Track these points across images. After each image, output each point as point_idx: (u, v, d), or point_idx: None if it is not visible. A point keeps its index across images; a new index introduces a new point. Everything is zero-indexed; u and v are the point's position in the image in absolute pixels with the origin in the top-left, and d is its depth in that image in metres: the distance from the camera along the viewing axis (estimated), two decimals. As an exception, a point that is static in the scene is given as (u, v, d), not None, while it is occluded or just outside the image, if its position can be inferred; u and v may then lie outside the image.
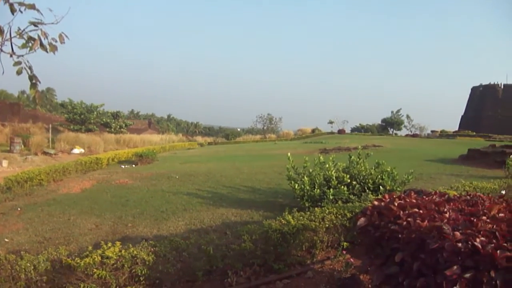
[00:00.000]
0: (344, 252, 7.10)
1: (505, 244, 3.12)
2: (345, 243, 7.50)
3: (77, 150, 31.88)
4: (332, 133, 78.67)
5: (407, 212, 4.04)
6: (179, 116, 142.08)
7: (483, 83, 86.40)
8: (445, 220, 3.65)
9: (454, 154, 26.15)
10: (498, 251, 3.04)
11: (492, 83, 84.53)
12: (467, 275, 3.07)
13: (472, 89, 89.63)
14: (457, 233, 3.30)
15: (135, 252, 5.61)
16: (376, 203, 4.50)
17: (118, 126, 53.11)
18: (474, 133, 67.34)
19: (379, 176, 10.50)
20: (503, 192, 10.39)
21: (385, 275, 3.89)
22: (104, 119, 52.53)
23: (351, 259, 6.47)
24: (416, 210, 4.03)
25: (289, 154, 11.15)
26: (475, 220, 3.58)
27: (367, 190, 10.20)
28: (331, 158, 11.41)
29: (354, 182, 10.34)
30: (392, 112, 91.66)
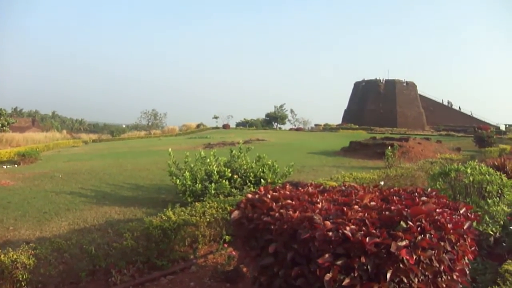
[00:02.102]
0: (226, 245, 7.33)
1: (374, 231, 3.36)
2: (227, 236, 7.77)
3: (-46, 151, 28.98)
4: (217, 128, 79.52)
5: (280, 204, 4.18)
6: (64, 113, 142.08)
7: (366, 79, 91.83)
8: (317, 211, 3.83)
9: (337, 146, 27.79)
10: (367, 238, 3.28)
11: (374, 78, 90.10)
12: (339, 262, 3.29)
13: (355, 84, 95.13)
14: (328, 223, 3.48)
15: (14, 256, 5.59)
16: (250, 196, 4.63)
17: (0, 125, 49.71)
18: (357, 126, 71.89)
19: (260, 170, 10.96)
20: (382, 182, 11.13)
21: (260, 266, 4.02)
22: (-15, 118, 48.99)
23: (233, 252, 6.78)
24: (289, 201, 4.19)
25: (170, 149, 11.43)
26: (346, 209, 3.76)
27: (249, 183, 10.61)
28: (212, 152, 11.76)
29: (235, 176, 10.67)
30: (275, 107, 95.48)
